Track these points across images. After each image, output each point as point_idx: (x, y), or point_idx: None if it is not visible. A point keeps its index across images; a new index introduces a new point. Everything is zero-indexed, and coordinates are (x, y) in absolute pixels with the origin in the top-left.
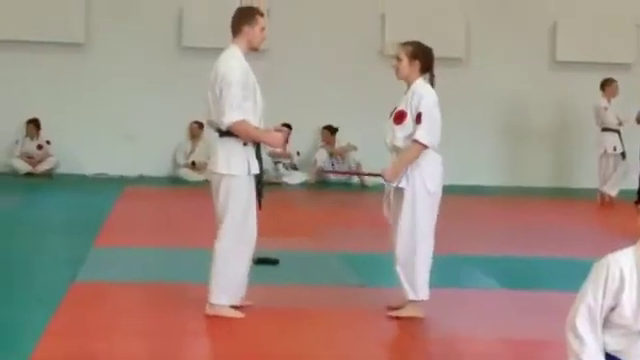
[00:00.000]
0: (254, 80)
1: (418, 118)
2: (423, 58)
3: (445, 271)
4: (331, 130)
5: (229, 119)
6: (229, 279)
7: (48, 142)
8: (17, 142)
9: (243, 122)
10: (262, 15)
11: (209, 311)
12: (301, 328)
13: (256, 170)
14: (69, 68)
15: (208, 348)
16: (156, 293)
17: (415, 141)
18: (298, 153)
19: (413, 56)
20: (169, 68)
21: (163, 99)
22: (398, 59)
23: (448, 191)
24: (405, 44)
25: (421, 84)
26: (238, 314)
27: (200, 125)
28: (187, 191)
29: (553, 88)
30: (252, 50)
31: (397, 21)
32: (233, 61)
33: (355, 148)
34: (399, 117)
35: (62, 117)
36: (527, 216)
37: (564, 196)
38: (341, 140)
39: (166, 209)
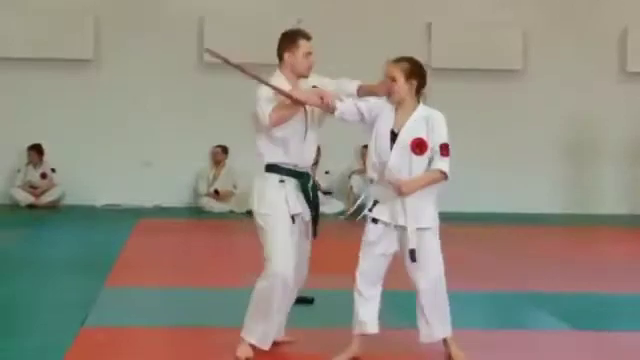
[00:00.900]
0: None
1: (444, 149)
2: (419, 76)
3: (507, 311)
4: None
5: (266, 119)
6: (258, 319)
7: (53, 170)
8: (19, 171)
9: (274, 111)
10: (307, 38)
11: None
12: None
13: (295, 210)
14: (76, 87)
15: None
16: (174, 338)
17: (441, 172)
18: (327, 172)
19: (409, 75)
20: (189, 86)
21: (183, 121)
22: (392, 79)
23: (504, 220)
24: (399, 60)
25: (430, 109)
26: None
27: (224, 149)
28: (209, 223)
29: (623, 102)
30: (299, 77)
31: (444, 30)
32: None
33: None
34: (421, 147)
35: (68, 142)
36: (597, 248)
37: (638, 224)
38: None
39: (186, 244)
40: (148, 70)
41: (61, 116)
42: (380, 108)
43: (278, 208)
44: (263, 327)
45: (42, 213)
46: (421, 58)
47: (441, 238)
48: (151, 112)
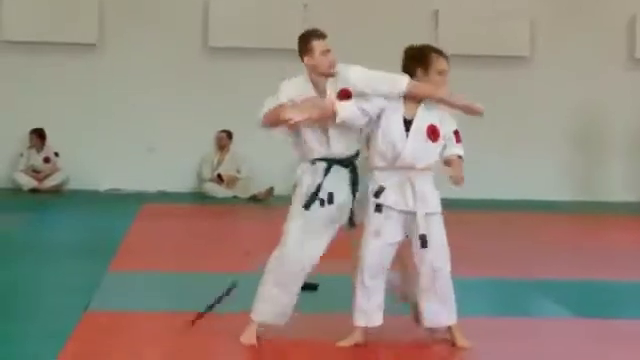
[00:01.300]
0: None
1: (457, 136)
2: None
3: (511, 298)
4: None
5: (260, 115)
6: (265, 297)
7: (56, 154)
8: (22, 155)
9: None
10: (321, 37)
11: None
12: None
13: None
14: (79, 72)
15: None
16: (177, 323)
17: (459, 157)
18: None
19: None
20: (193, 71)
21: (187, 106)
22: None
23: (510, 207)
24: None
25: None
26: (250, 340)
27: (228, 134)
28: (213, 208)
29: (631, 89)
30: (323, 76)
31: (451, 17)
32: (287, 83)
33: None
34: (435, 133)
35: (72, 126)
36: (604, 235)
37: None
38: None
39: (189, 229)
40: (152, 55)
41: (64, 100)
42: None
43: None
44: (269, 306)
45: (45, 197)
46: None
47: (447, 225)
48: (155, 97)
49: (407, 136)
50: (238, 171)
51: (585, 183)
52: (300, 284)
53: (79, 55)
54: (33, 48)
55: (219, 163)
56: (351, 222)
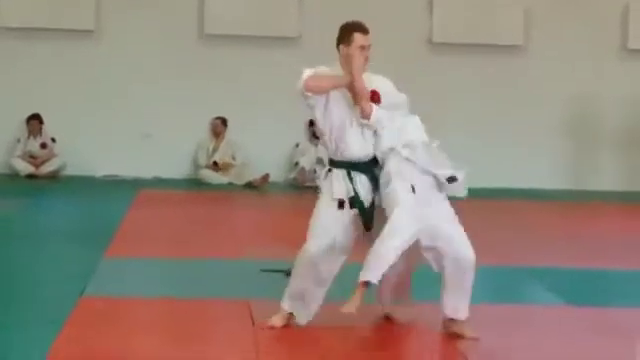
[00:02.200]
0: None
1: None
2: None
3: (503, 285)
4: None
5: (301, 82)
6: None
7: (53, 140)
8: (19, 140)
9: (312, 76)
10: (364, 32)
11: None
12: (340, 348)
13: (339, 195)
14: (76, 58)
15: None
16: (174, 310)
17: None
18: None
19: None
20: (189, 58)
21: (183, 92)
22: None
23: (506, 195)
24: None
25: None
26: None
27: (223, 121)
28: (208, 195)
29: (624, 80)
30: (351, 69)
31: (446, 5)
32: (325, 69)
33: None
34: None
35: (68, 113)
36: (595, 224)
37: (637, 201)
38: None
39: (185, 215)
40: (149, 41)
41: (61, 87)
42: None
43: (325, 192)
44: (293, 302)
45: (42, 183)
46: (422, 33)
47: None
48: (151, 83)
49: None
50: (233, 158)
51: (578, 172)
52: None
53: (76, 41)
54: (30, 34)
55: (214, 150)
56: (367, 227)
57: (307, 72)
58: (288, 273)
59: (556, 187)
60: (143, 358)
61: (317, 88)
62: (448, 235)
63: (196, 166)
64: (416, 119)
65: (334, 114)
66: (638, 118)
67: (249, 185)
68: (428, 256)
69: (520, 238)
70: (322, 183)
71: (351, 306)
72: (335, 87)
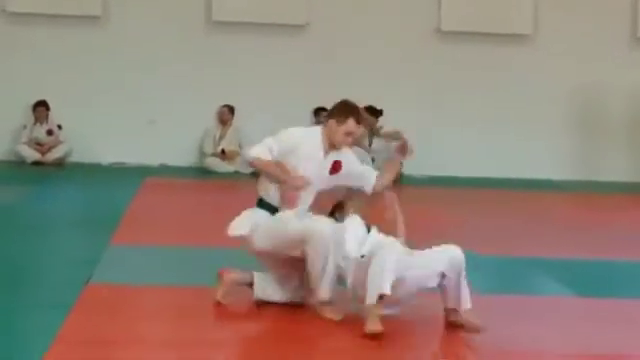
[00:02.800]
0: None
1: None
2: None
3: (510, 276)
4: (374, 112)
5: (250, 156)
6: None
7: (59, 127)
8: (25, 127)
9: (259, 159)
10: (358, 121)
11: None
12: (342, 334)
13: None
14: (83, 44)
15: None
16: (179, 297)
17: None
18: None
19: None
20: (196, 45)
21: (190, 80)
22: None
23: (513, 186)
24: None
25: None
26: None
27: (230, 109)
28: (215, 183)
29: (633, 69)
30: (331, 147)
31: None
32: (299, 130)
33: (401, 140)
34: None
35: (75, 99)
36: (603, 214)
37: None
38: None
39: (191, 203)
40: (156, 28)
41: (68, 73)
42: None
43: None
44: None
45: (48, 170)
46: (431, 21)
47: (449, 202)
48: (159, 70)
49: None
50: (240, 146)
51: (587, 162)
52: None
53: (83, 28)
54: (37, 20)
55: (221, 138)
56: None
57: (260, 149)
58: None
59: (564, 177)
60: (149, 344)
61: (260, 169)
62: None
63: (202, 154)
64: (357, 220)
65: (300, 167)
66: None
67: (255, 174)
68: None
69: (528, 229)
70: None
71: (376, 324)
72: (275, 178)
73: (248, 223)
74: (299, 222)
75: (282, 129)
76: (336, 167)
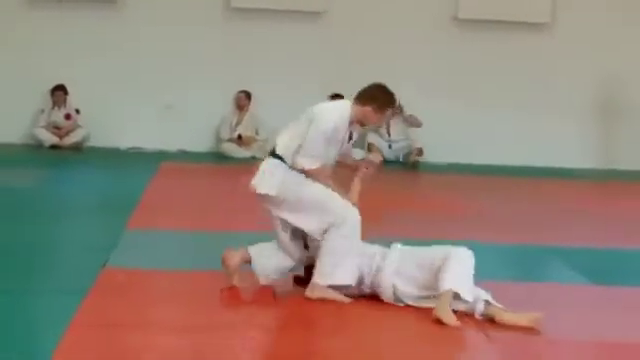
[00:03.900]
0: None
1: None
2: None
3: (526, 263)
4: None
5: (306, 165)
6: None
7: (77, 111)
8: (43, 111)
9: (317, 171)
10: (394, 112)
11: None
12: (351, 325)
13: None
14: (102, 28)
15: (251, 346)
16: (195, 282)
17: None
18: None
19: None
20: (215, 31)
21: (207, 65)
22: None
23: (530, 174)
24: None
25: None
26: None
27: (247, 95)
28: (232, 168)
29: None
30: (359, 123)
31: None
32: (335, 113)
33: (418, 124)
34: None
35: (93, 83)
36: (622, 203)
37: None
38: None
39: (208, 188)
40: (175, 13)
41: (86, 57)
42: None
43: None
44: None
45: (66, 154)
46: (449, 9)
47: (466, 190)
48: (177, 56)
49: None
50: (256, 132)
51: (606, 151)
52: None
53: (102, 12)
54: (56, 5)
55: (238, 123)
56: None
57: (312, 161)
58: (305, 246)
59: (583, 166)
60: (164, 328)
61: (314, 178)
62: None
63: (219, 139)
64: None
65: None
66: None
67: None
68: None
69: (544, 217)
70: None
71: (451, 317)
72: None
73: (275, 183)
74: (336, 204)
75: (315, 110)
76: (351, 135)
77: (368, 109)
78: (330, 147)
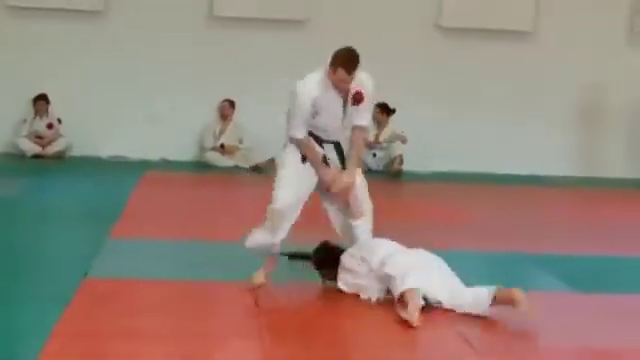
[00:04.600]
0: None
1: None
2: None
3: (508, 271)
4: (386, 110)
5: (291, 133)
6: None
7: (59, 120)
8: (25, 121)
9: (300, 140)
10: (347, 71)
11: None
12: (345, 331)
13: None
14: (85, 38)
15: (234, 355)
16: (179, 291)
17: None
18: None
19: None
20: (198, 40)
21: (191, 74)
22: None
23: (514, 181)
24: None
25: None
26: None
27: (231, 104)
28: (214, 177)
29: (632, 65)
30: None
31: None
32: (301, 83)
33: (404, 140)
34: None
35: (75, 93)
36: (605, 211)
37: None
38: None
39: (191, 197)
40: (157, 22)
41: (69, 67)
42: None
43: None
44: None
45: (48, 163)
46: (432, 17)
47: (449, 198)
48: (159, 65)
49: None
50: (240, 141)
51: (588, 159)
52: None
53: (85, 22)
54: (39, 14)
55: (221, 132)
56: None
57: (293, 132)
58: (291, 256)
59: (565, 174)
60: (147, 337)
61: (297, 146)
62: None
63: (202, 148)
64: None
65: (322, 117)
66: None
67: (255, 168)
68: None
69: (527, 224)
70: (289, 145)
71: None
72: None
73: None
74: (276, 189)
75: (293, 93)
76: (358, 98)
77: (330, 71)
78: (317, 116)
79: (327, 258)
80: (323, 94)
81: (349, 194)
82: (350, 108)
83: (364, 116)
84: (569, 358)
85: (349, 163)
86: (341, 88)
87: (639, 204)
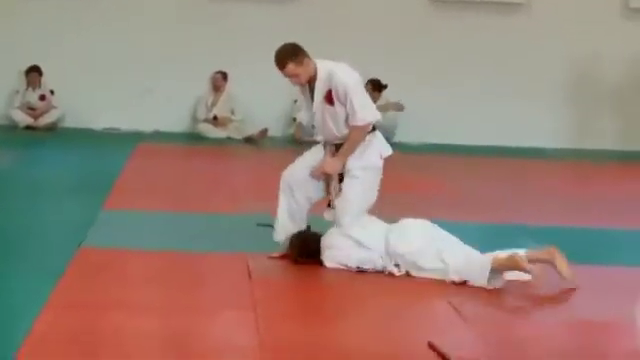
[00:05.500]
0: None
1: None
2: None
3: (500, 243)
4: (377, 86)
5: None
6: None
7: (52, 92)
8: (17, 92)
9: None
10: (278, 68)
11: None
12: (337, 312)
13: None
14: (78, 10)
15: (227, 327)
16: (172, 262)
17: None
18: None
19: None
20: (191, 12)
21: (183, 46)
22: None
23: (504, 153)
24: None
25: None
26: None
27: (224, 75)
28: (207, 149)
29: (626, 39)
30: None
31: None
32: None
33: (401, 108)
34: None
35: (68, 64)
36: (593, 182)
37: (637, 161)
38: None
39: (184, 169)
40: None
41: (61, 39)
42: None
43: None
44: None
45: (40, 135)
46: None
47: (440, 169)
48: (152, 36)
49: None
50: (232, 112)
51: (579, 131)
52: None
53: None
54: None
55: (214, 104)
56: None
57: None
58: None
59: (557, 146)
60: (141, 309)
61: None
62: None
63: (195, 120)
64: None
65: (317, 116)
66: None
67: (248, 140)
68: None
69: (516, 196)
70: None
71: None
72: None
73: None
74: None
75: (290, 104)
76: (328, 98)
77: None
78: (305, 112)
79: (306, 246)
80: (301, 89)
81: (328, 183)
82: (329, 107)
83: (353, 109)
84: (558, 330)
85: (338, 153)
86: (293, 84)
87: (629, 176)
